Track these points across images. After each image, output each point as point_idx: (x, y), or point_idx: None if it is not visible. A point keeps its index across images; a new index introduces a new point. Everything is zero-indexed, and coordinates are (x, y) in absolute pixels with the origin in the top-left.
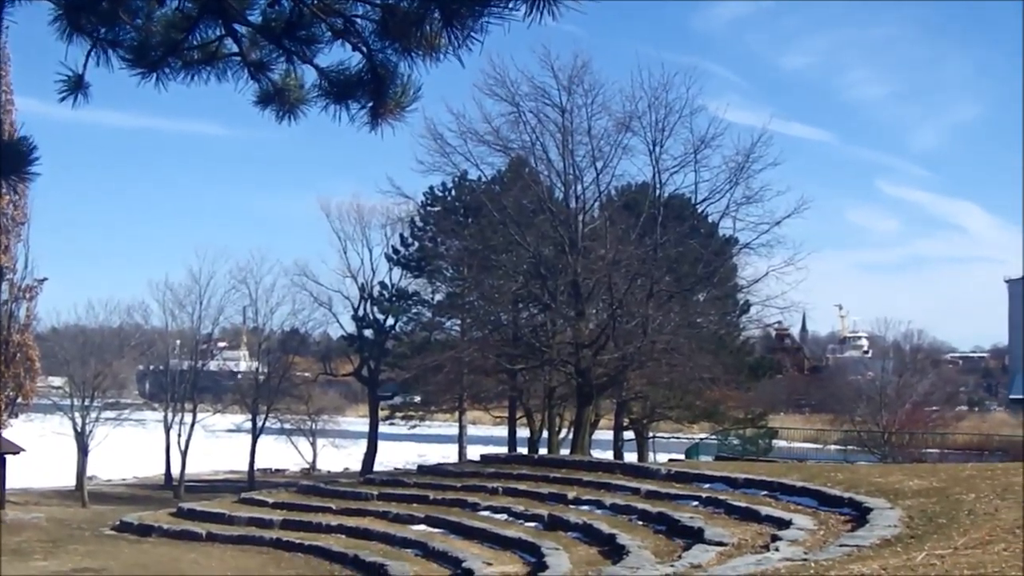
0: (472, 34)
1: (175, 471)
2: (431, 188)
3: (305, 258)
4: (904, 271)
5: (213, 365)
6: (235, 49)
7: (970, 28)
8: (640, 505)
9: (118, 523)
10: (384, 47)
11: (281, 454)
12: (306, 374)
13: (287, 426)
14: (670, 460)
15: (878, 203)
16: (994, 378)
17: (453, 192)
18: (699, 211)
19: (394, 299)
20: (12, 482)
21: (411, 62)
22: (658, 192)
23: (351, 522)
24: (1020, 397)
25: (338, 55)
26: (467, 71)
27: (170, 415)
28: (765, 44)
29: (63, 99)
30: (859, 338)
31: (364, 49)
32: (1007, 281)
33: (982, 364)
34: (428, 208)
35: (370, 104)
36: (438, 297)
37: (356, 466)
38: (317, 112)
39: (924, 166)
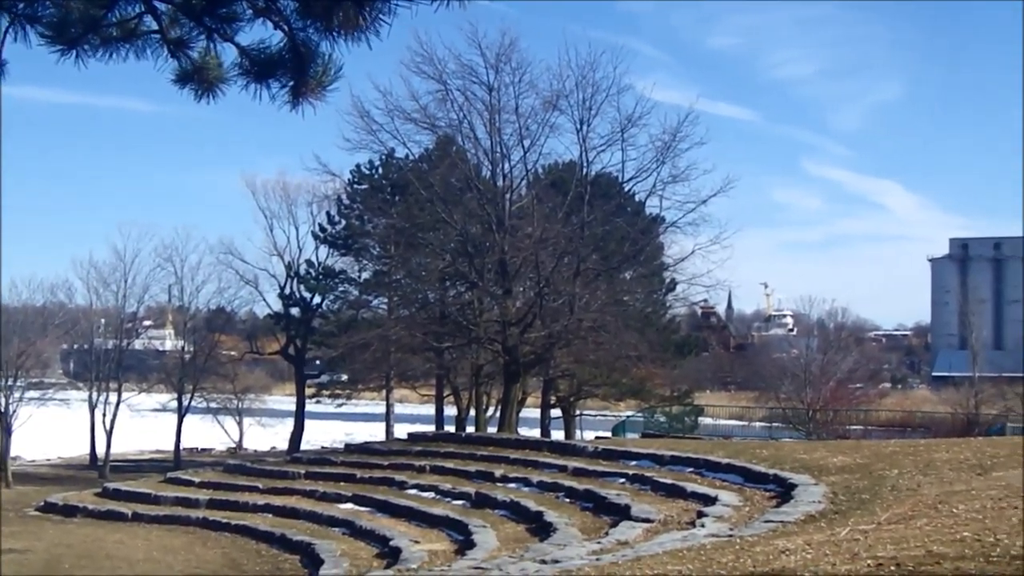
0: (381, 15)
1: (100, 451)
2: (358, 166)
3: (231, 236)
4: (828, 249)
5: (138, 344)
6: (155, 26)
7: (894, 7)
8: (567, 482)
9: (42, 504)
10: (305, 26)
11: (207, 433)
12: (232, 353)
13: (213, 405)
14: (597, 438)
15: (802, 182)
16: (917, 355)
17: (380, 170)
18: (626, 190)
19: (321, 277)
20: None
21: (333, 41)
22: (585, 171)
23: (278, 501)
24: (942, 374)
25: (259, 33)
26: (395, 49)
27: (95, 395)
28: (692, 23)
29: None
30: (784, 316)
31: (285, 27)
32: (929, 260)
33: (905, 342)
34: (355, 186)
35: (291, 83)
36: (365, 275)
37: (283, 445)
38: (237, 91)
39: (847, 145)
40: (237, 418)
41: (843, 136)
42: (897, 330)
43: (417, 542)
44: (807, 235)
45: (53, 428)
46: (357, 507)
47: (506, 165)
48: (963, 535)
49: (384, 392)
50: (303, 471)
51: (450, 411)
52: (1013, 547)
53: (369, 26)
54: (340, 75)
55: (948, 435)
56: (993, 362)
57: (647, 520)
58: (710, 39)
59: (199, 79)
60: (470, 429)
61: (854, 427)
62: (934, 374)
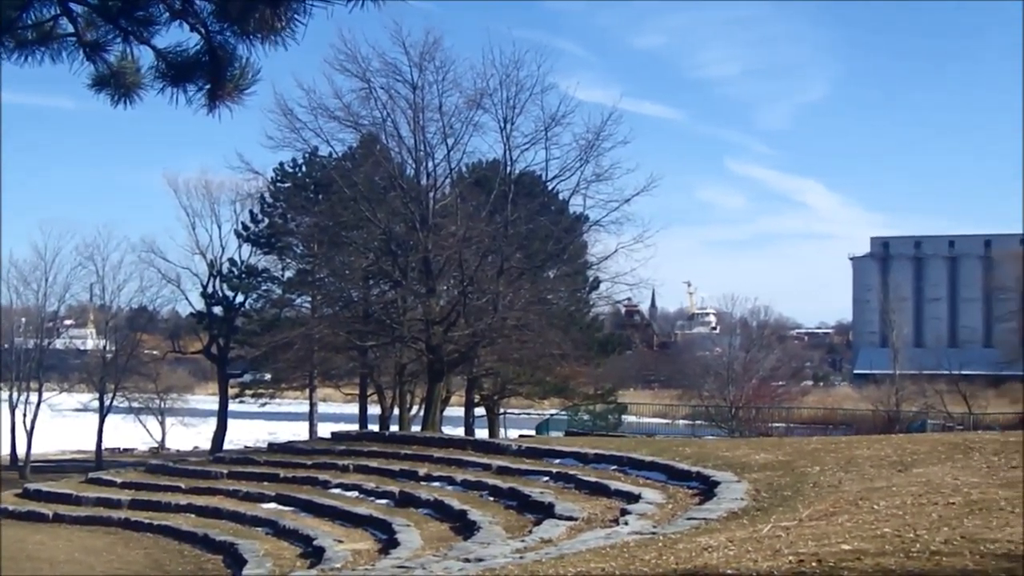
0: (296, 17)
1: (20, 451)
2: (281, 164)
3: (153, 234)
4: (751, 248)
5: (59, 343)
6: (71, 29)
7: (819, 8)
8: (491, 481)
9: None
10: (223, 29)
11: (129, 433)
12: (154, 352)
13: (135, 405)
14: (521, 436)
15: (726, 181)
16: (838, 353)
17: (303, 168)
18: (550, 188)
19: (244, 276)
20: None
21: (250, 44)
22: (509, 169)
23: (200, 501)
24: (864, 372)
25: (176, 36)
26: (319, 47)
27: (15, 394)
28: (618, 23)
29: None
30: (707, 314)
31: (202, 30)
32: (851, 258)
33: (827, 340)
34: (278, 184)
35: (208, 86)
36: (288, 274)
37: (206, 445)
38: (154, 95)
39: (771, 144)
40: (159, 418)
41: (767, 135)
42: (819, 328)
43: (341, 541)
44: (730, 233)
45: None
46: (280, 507)
47: (430, 163)
48: (884, 531)
49: (308, 391)
50: (226, 471)
51: (374, 410)
52: (933, 542)
53: (285, 27)
54: (258, 78)
55: (870, 432)
56: (914, 359)
57: (571, 518)
58: (636, 39)
59: (116, 84)
60: (394, 428)
61: (777, 424)
62: (856, 372)
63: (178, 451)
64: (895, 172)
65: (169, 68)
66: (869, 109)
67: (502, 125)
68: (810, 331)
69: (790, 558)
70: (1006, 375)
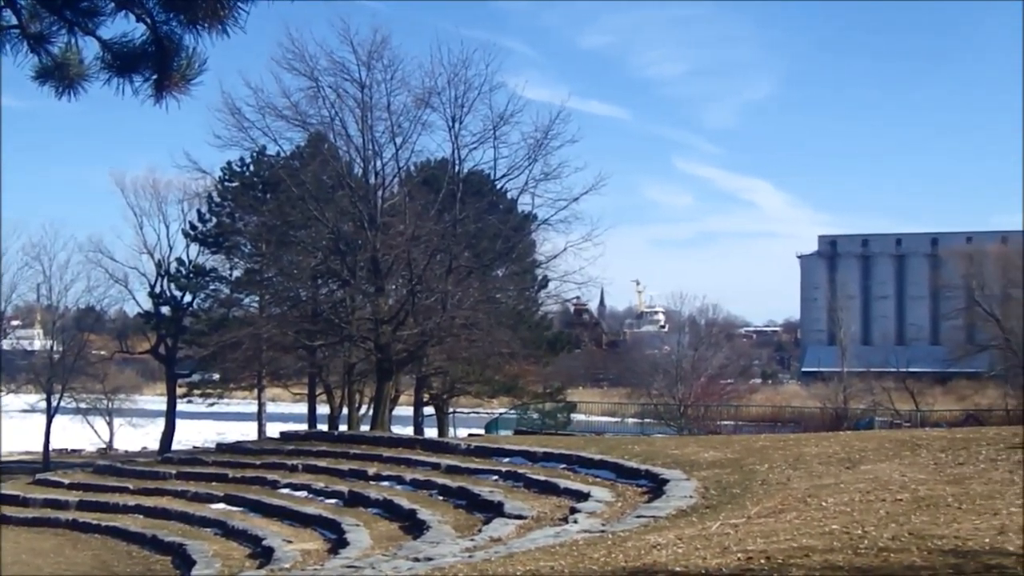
0: (240, 4)
1: None
2: (229, 163)
3: (100, 234)
4: (699, 246)
5: (6, 344)
6: (14, 20)
7: (763, 7)
8: (440, 480)
9: None
10: (169, 19)
11: (77, 434)
12: (102, 352)
13: (83, 405)
14: (470, 435)
15: (674, 179)
16: (786, 351)
17: (251, 167)
18: (498, 187)
19: (191, 276)
20: None
21: (197, 34)
22: (457, 168)
23: (149, 502)
24: (811, 370)
25: (122, 27)
26: (267, 46)
27: None
28: (565, 22)
29: None
30: (656, 313)
31: (148, 20)
32: (799, 257)
33: (775, 338)
34: (226, 183)
35: (154, 77)
36: (236, 273)
37: (154, 445)
38: (100, 86)
39: (718, 143)
40: (107, 418)
41: (714, 134)
42: (767, 326)
43: (290, 541)
44: (679, 232)
45: None
46: (229, 507)
47: (378, 162)
48: (832, 528)
49: (256, 391)
50: (174, 471)
51: (323, 410)
52: (881, 539)
53: (228, 16)
54: (204, 68)
55: (817, 430)
56: (861, 357)
57: (520, 517)
58: (583, 38)
59: (60, 75)
60: (343, 428)
61: (725, 422)
62: (803, 370)
63: (126, 452)
64: (842, 170)
65: (115, 59)
66: (814, 108)
67: (450, 124)
68: (758, 329)
69: (739, 555)
70: (953, 372)
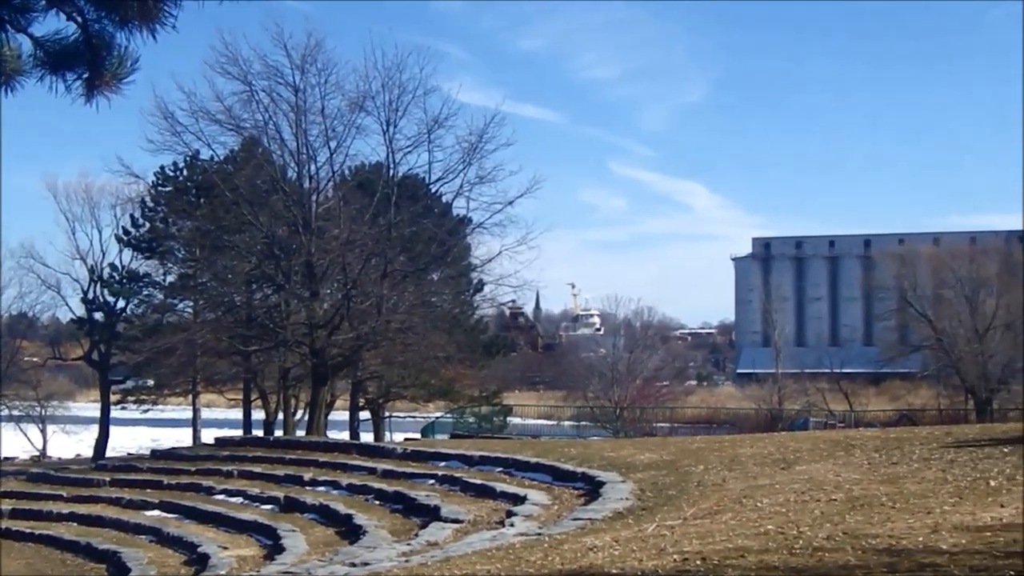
0: (166, 8)
1: None
2: (162, 168)
3: (31, 239)
4: (635, 249)
5: None
6: None
7: (696, 11)
8: (377, 485)
9: None
10: (100, 17)
11: (9, 442)
12: (35, 359)
13: (15, 413)
14: (406, 439)
15: (609, 182)
16: (721, 353)
17: (185, 172)
18: (433, 191)
19: (125, 281)
20: None
21: (128, 33)
22: (392, 172)
23: (83, 509)
24: (746, 371)
25: (54, 24)
26: (199, 49)
27: None
28: (500, 26)
29: None
30: (591, 316)
31: (79, 19)
32: (733, 259)
33: (710, 340)
34: (159, 188)
35: (86, 76)
36: (170, 278)
37: (88, 452)
38: (33, 83)
39: (652, 146)
40: (40, 426)
41: (648, 138)
42: (702, 328)
43: (225, 548)
44: (614, 235)
45: None
46: (164, 514)
47: (312, 167)
48: (767, 528)
49: (191, 397)
50: (108, 478)
51: (258, 415)
52: (815, 539)
53: (159, 16)
54: (136, 67)
55: (752, 431)
56: (795, 358)
57: (457, 521)
58: (517, 41)
59: None
60: (278, 433)
61: (661, 424)
62: (739, 371)
63: (60, 459)
64: (775, 173)
65: (47, 57)
66: (748, 110)
67: (385, 128)
68: (693, 331)
69: (675, 557)
70: (886, 373)
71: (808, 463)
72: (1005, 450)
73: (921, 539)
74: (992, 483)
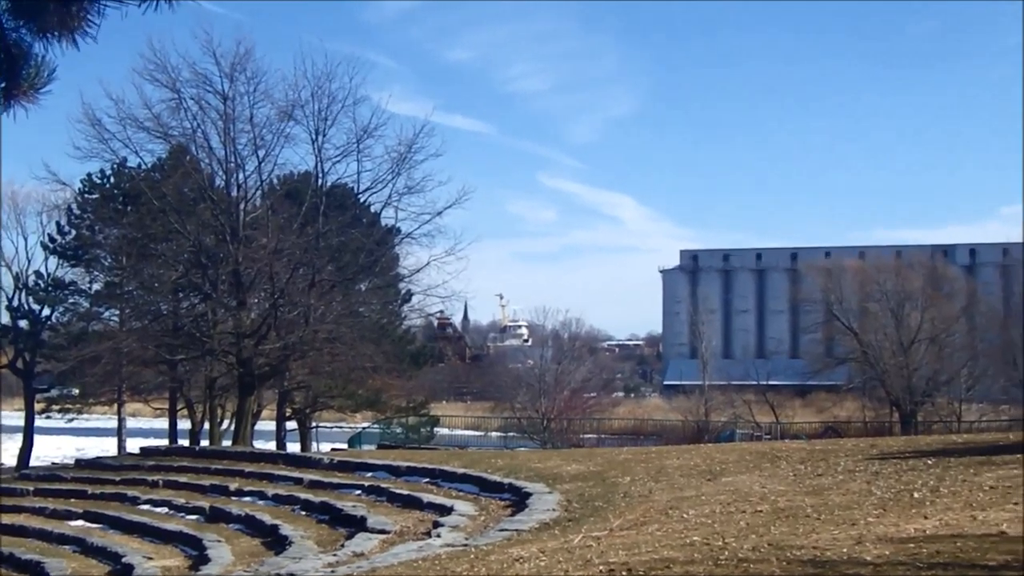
0: (88, 16)
1: None
2: (89, 175)
3: None
4: (562, 260)
5: None
6: None
7: (624, 24)
8: (303, 495)
9: None
10: (18, 27)
11: None
12: None
13: None
14: (333, 449)
15: (537, 194)
16: (649, 365)
17: (112, 179)
18: (361, 201)
19: (50, 289)
20: None
21: (47, 43)
22: (321, 181)
23: (6, 519)
24: (674, 383)
25: None
26: (127, 56)
27: None
28: (430, 37)
29: None
30: (519, 327)
31: None
32: (661, 271)
33: (638, 351)
34: (86, 195)
35: (2, 85)
36: (96, 287)
37: (11, 462)
38: None
39: (581, 158)
40: None
41: (577, 150)
42: (630, 340)
43: (150, 558)
44: (542, 246)
45: None
46: (88, 524)
47: (240, 175)
48: (693, 539)
49: (116, 406)
50: (32, 488)
51: (184, 425)
52: (741, 550)
53: (79, 26)
54: (53, 77)
55: (679, 442)
56: (722, 370)
57: (383, 531)
58: (448, 52)
59: None
60: (204, 443)
61: (588, 435)
62: (666, 383)
63: None
64: (703, 186)
65: None
66: (676, 123)
67: (314, 137)
68: (621, 343)
69: (600, 568)
70: (812, 385)
71: (734, 475)
72: (929, 462)
73: (845, 550)
74: (916, 495)
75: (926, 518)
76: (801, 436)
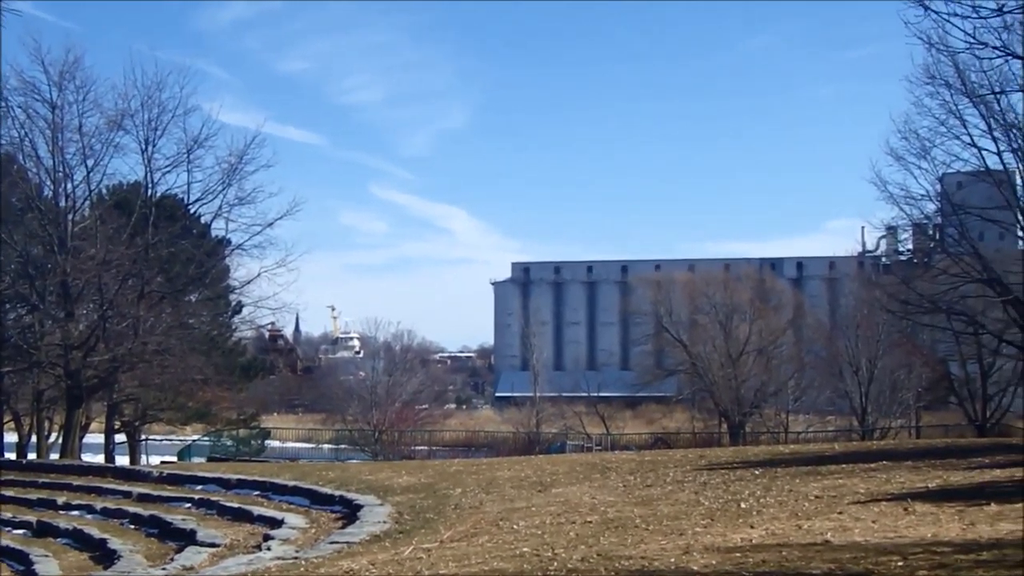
0: None
1: None
2: None
3: None
4: (394, 272)
5: None
6: None
7: (458, 36)
8: (132, 509)
9: None
10: None
11: None
12: None
13: None
14: (163, 462)
15: (370, 206)
16: (481, 377)
17: None
18: (192, 211)
19: None
20: None
21: None
22: (150, 192)
23: None
24: (505, 395)
25: None
26: None
27: None
28: (264, 47)
29: None
30: (351, 338)
31: None
32: (493, 283)
33: (470, 363)
34: None
35: None
36: None
37: None
38: None
39: (413, 171)
40: None
41: (409, 162)
42: (462, 352)
43: None
44: (374, 258)
45: None
46: None
47: (69, 185)
48: (523, 550)
49: None
50: None
51: (11, 438)
52: (570, 560)
53: None
54: None
55: (511, 454)
56: (553, 382)
57: (213, 544)
58: (280, 63)
59: None
60: (31, 456)
61: (420, 447)
62: (497, 395)
63: None
64: (534, 198)
65: None
66: (507, 136)
67: (144, 147)
68: (453, 355)
69: None
70: (642, 397)
71: (565, 486)
72: (756, 472)
73: (673, 560)
74: (743, 505)
75: (752, 527)
76: (631, 447)
